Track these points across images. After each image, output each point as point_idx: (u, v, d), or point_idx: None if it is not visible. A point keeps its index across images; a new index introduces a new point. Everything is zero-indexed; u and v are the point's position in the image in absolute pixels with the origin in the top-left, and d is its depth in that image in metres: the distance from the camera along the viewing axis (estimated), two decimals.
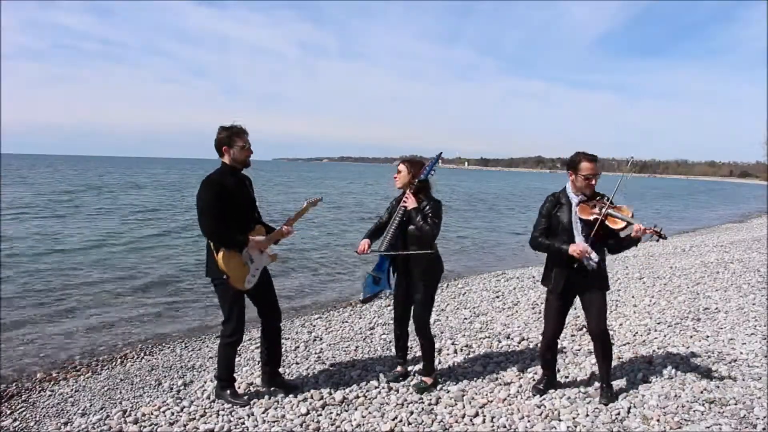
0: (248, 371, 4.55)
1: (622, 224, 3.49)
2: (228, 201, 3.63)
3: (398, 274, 4.08)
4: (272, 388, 4.05)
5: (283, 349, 5.15)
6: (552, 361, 4.05)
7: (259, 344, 4.25)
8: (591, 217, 3.54)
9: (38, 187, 31.05)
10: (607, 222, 3.52)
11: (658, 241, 3.51)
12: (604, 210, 3.52)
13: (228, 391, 3.90)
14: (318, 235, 14.78)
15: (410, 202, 3.83)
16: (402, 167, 3.95)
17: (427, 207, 3.85)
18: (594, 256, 3.59)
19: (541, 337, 4.11)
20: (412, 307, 4.06)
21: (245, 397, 3.90)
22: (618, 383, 4.11)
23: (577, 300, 3.88)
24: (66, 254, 10.79)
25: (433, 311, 6.35)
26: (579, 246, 3.53)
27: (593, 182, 3.59)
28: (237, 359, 4.84)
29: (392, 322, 4.34)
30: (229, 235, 3.64)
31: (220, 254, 3.60)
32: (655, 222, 3.61)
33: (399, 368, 4.36)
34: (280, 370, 4.52)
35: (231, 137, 3.68)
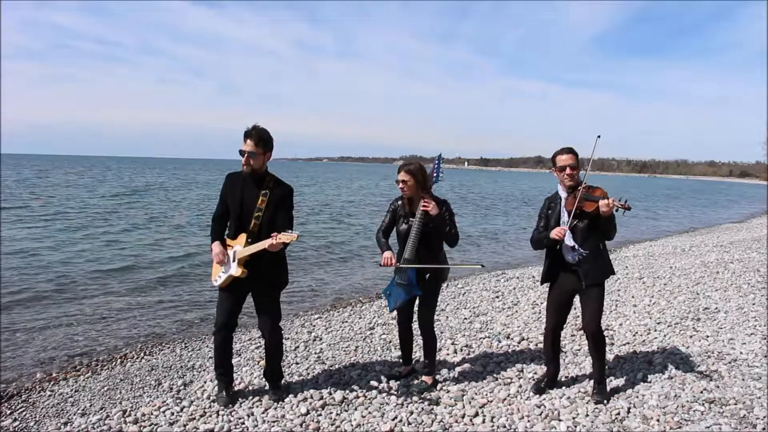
0: (248, 371, 4.55)
1: (595, 205, 3.55)
2: (229, 201, 3.72)
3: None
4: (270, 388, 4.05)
5: (283, 349, 5.17)
6: (554, 357, 4.08)
7: (258, 344, 4.25)
8: (573, 207, 3.63)
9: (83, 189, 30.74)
10: (584, 208, 3.60)
11: (624, 213, 3.57)
12: (579, 195, 3.60)
13: (218, 389, 3.95)
14: (318, 235, 14.78)
15: (433, 209, 3.76)
16: (407, 176, 3.84)
17: (445, 210, 3.86)
18: (568, 240, 3.64)
19: (542, 336, 4.13)
20: (418, 307, 4.07)
21: (231, 401, 3.86)
22: (618, 383, 4.12)
23: (577, 299, 3.89)
24: (67, 255, 10.79)
25: None
26: (556, 229, 3.66)
27: (570, 172, 3.65)
28: (237, 359, 4.84)
29: (392, 322, 4.34)
30: (211, 229, 3.84)
31: None
32: (623, 197, 3.67)
33: (402, 368, 4.37)
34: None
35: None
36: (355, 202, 27.75)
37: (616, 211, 3.55)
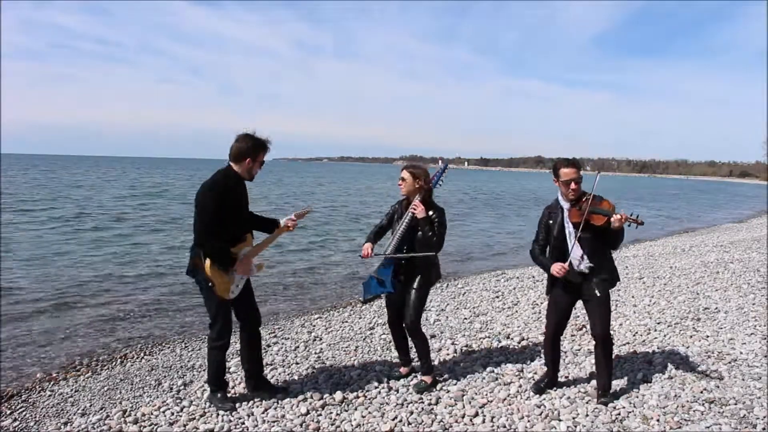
0: None
1: (605, 218, 3.55)
2: (231, 208, 3.53)
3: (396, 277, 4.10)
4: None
5: (283, 349, 5.17)
6: (554, 359, 4.07)
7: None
8: (579, 220, 3.62)
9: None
10: (592, 221, 3.59)
11: (637, 227, 3.58)
12: (585, 209, 3.59)
13: (218, 395, 3.83)
14: (318, 235, 14.78)
15: (420, 212, 3.84)
16: (406, 174, 3.95)
17: (434, 216, 3.89)
18: (576, 263, 3.66)
19: (542, 337, 4.13)
20: (405, 308, 4.07)
21: (235, 404, 3.82)
22: (618, 383, 4.11)
23: (578, 301, 3.89)
24: (69, 257, 10.80)
25: (432, 311, 6.37)
26: (556, 266, 3.65)
27: (573, 186, 3.64)
28: (237, 359, 4.84)
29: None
30: (221, 252, 3.50)
31: (208, 262, 3.48)
32: (634, 212, 3.64)
33: (401, 369, 4.37)
34: (282, 370, 4.52)
35: (257, 150, 3.57)
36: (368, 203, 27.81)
37: (629, 225, 3.55)
